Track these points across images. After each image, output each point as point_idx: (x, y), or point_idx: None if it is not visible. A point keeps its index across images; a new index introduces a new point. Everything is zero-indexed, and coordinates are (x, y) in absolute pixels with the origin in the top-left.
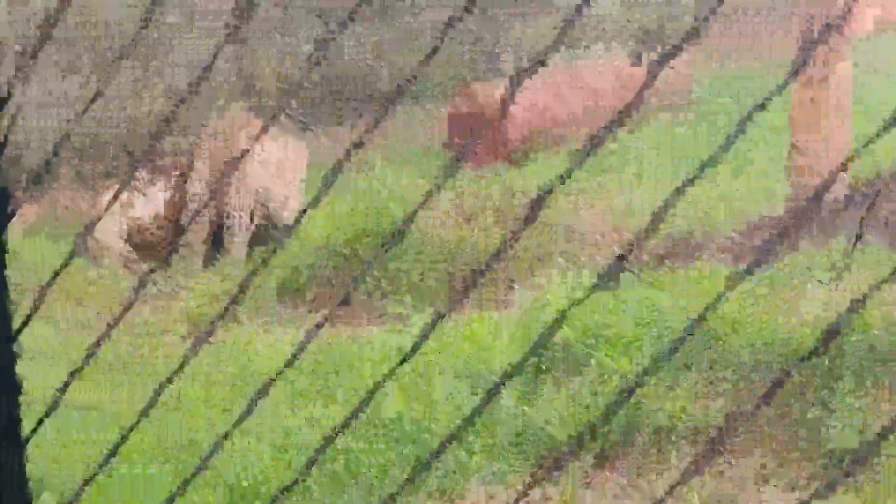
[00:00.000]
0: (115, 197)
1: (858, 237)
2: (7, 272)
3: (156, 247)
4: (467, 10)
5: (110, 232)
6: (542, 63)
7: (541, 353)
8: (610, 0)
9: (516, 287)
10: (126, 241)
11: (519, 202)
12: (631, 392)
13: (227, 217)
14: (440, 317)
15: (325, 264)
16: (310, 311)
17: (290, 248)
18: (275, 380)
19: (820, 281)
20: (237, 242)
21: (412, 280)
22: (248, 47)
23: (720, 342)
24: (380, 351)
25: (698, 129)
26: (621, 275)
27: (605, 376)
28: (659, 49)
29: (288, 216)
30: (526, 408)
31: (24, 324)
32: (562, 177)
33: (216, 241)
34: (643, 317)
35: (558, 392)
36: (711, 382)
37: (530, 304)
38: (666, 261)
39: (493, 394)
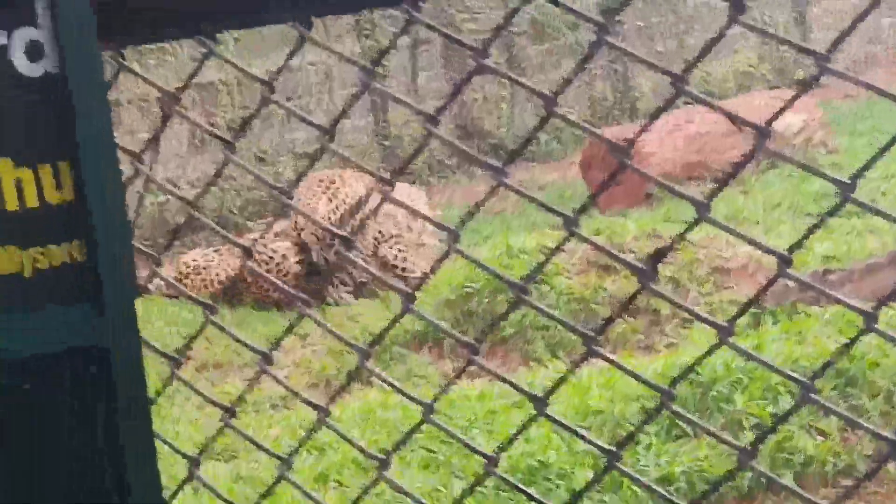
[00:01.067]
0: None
1: None
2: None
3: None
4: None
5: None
6: (664, 110)
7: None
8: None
9: (652, 333)
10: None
11: (652, 246)
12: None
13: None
14: (576, 364)
15: (456, 314)
16: (434, 363)
17: (420, 297)
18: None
19: None
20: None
21: (546, 328)
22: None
23: (859, 383)
24: (512, 399)
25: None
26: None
27: (744, 420)
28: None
29: (420, 264)
30: (663, 457)
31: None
32: (696, 220)
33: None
34: (780, 361)
35: (696, 438)
36: (851, 426)
37: (667, 350)
38: (800, 302)
39: (628, 441)
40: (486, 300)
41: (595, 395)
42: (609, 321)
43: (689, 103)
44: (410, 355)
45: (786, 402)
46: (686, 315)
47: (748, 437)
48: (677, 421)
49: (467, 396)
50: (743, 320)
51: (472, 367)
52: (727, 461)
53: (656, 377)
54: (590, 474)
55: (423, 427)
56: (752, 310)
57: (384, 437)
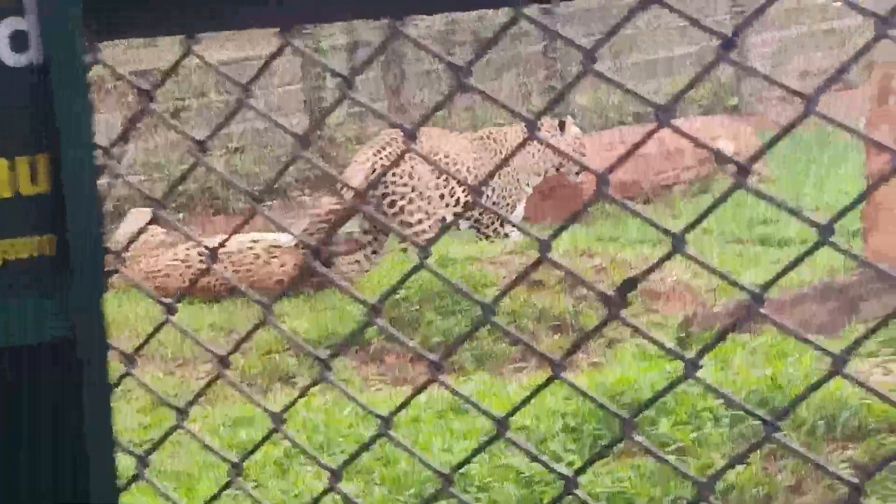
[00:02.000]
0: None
1: None
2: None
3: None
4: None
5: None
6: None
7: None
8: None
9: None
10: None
11: (585, 265)
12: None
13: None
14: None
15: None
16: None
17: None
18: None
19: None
20: None
21: (475, 338)
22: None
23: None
24: (435, 408)
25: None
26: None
27: (669, 444)
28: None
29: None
30: (584, 478)
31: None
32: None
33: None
34: (704, 389)
35: (617, 460)
36: (776, 454)
37: (591, 368)
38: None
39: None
40: (415, 308)
41: (521, 411)
42: (574, 349)
43: (623, 123)
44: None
45: (708, 428)
46: (612, 335)
47: (672, 460)
48: (599, 441)
49: (391, 405)
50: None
51: (397, 375)
52: (649, 483)
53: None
54: (511, 488)
55: (346, 431)
56: (678, 335)
57: (305, 440)
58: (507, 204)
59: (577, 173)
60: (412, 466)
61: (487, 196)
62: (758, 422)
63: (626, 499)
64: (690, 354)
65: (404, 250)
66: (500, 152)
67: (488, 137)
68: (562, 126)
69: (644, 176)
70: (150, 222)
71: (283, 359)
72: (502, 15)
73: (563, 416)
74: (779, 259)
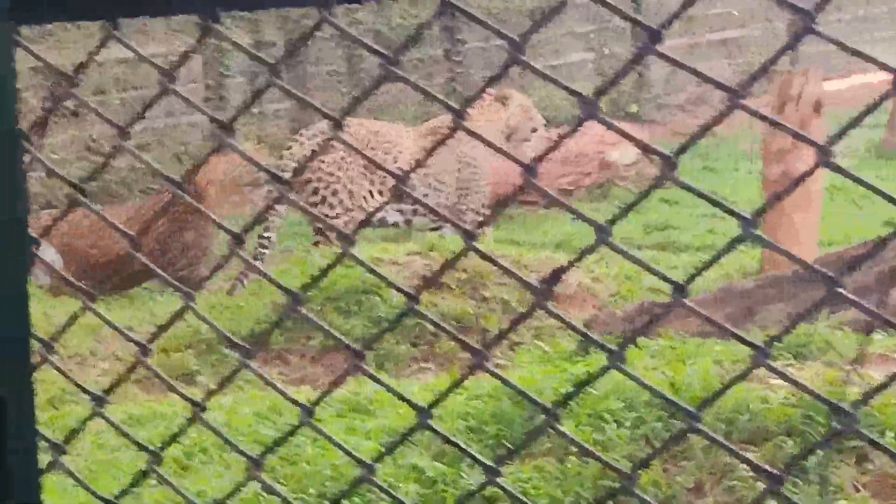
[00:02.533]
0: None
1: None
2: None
3: None
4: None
5: None
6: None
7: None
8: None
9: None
10: None
11: (488, 267)
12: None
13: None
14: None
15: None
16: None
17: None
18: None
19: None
20: None
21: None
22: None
23: (682, 416)
24: (336, 408)
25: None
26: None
27: (570, 447)
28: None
29: None
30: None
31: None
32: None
33: None
34: (608, 390)
35: (521, 460)
36: (677, 456)
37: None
38: (627, 333)
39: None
40: (318, 308)
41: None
42: (499, 337)
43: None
44: (233, 358)
45: (611, 430)
46: (514, 338)
47: (573, 461)
48: (503, 441)
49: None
50: (570, 347)
51: (298, 375)
52: (551, 485)
53: (485, 397)
54: (414, 488)
55: (247, 431)
56: (580, 338)
57: (210, 437)
58: (479, 197)
59: (526, 140)
60: (315, 466)
61: (450, 192)
62: (657, 423)
63: (530, 499)
64: (591, 358)
65: (316, 244)
66: (455, 145)
67: (438, 131)
68: (503, 100)
69: (544, 181)
70: (70, 208)
71: (183, 357)
72: (408, 15)
73: (466, 417)
74: (676, 265)
